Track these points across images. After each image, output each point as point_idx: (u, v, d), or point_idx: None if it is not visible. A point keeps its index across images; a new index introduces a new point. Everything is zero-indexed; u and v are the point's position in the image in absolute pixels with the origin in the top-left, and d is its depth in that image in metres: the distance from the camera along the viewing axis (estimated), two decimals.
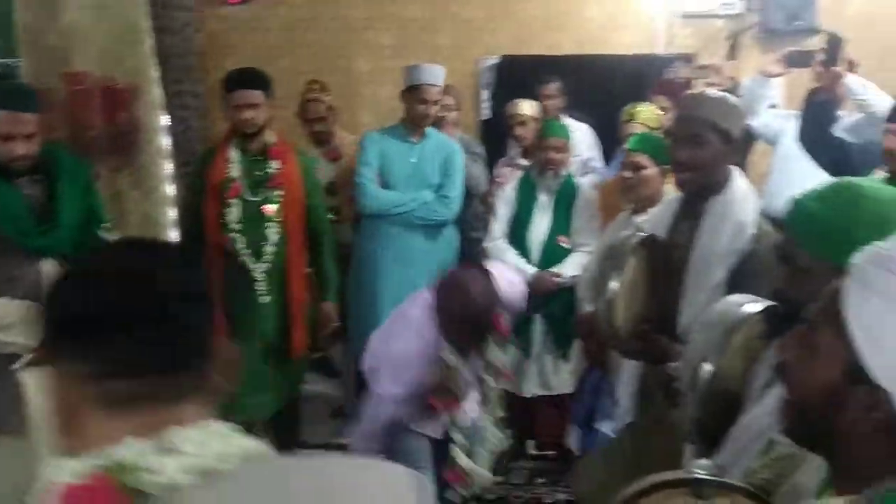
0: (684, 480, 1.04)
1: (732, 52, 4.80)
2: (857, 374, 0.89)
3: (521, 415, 3.72)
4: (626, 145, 3.10)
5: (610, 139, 4.11)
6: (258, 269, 3.20)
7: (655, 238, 2.11)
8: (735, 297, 1.67)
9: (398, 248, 3.56)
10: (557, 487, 3.56)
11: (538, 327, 3.48)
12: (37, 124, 2.40)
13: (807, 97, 2.82)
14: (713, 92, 2.28)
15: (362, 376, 3.30)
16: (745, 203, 2.10)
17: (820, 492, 1.06)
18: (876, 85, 3.25)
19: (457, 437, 2.52)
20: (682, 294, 2.05)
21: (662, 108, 3.70)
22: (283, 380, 3.41)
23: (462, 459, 2.51)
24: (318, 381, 4.34)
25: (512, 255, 3.44)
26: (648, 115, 3.52)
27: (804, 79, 3.43)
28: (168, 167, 3.87)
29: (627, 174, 2.98)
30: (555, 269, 3.37)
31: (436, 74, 3.62)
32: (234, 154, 3.18)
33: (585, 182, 3.70)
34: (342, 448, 3.96)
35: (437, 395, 2.40)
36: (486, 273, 2.37)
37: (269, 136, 3.23)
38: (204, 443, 0.78)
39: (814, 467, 1.05)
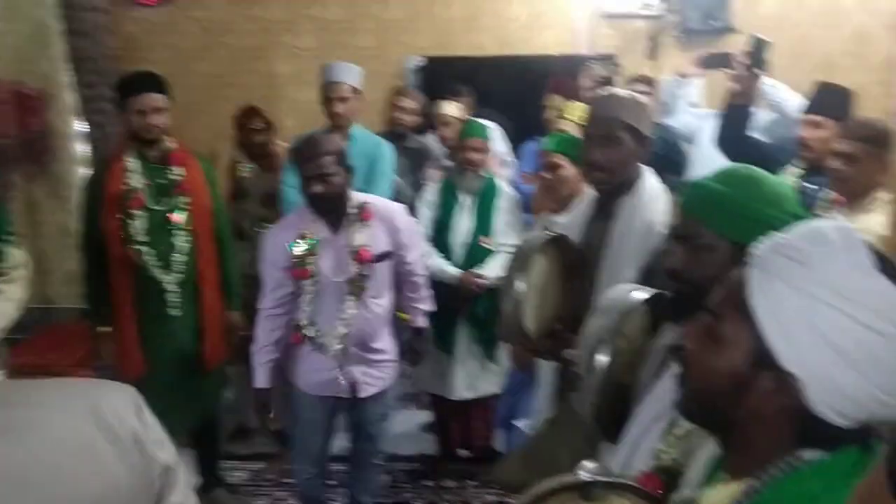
0: (574, 484, 1.03)
1: (653, 52, 4.88)
2: (763, 360, 0.92)
3: (450, 418, 3.72)
4: (543, 146, 3.11)
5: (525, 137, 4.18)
6: (169, 281, 3.10)
7: (563, 237, 2.11)
8: (626, 285, 1.70)
9: None
10: (488, 490, 3.57)
11: (463, 330, 3.47)
12: None
13: (726, 101, 2.87)
14: (623, 92, 2.29)
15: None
16: (654, 202, 2.11)
17: (710, 472, 1.07)
18: (787, 85, 3.33)
19: None
20: (594, 294, 2.06)
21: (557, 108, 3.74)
22: (201, 394, 3.32)
23: None
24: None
25: (435, 256, 3.42)
26: (582, 112, 3.53)
27: (724, 77, 3.51)
28: (84, 174, 3.70)
29: (546, 175, 2.99)
30: (478, 271, 3.37)
31: (344, 71, 3.58)
32: (132, 163, 3.05)
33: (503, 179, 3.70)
34: (270, 458, 3.95)
35: None
36: None
37: (169, 142, 3.12)
38: None
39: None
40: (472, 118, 3.74)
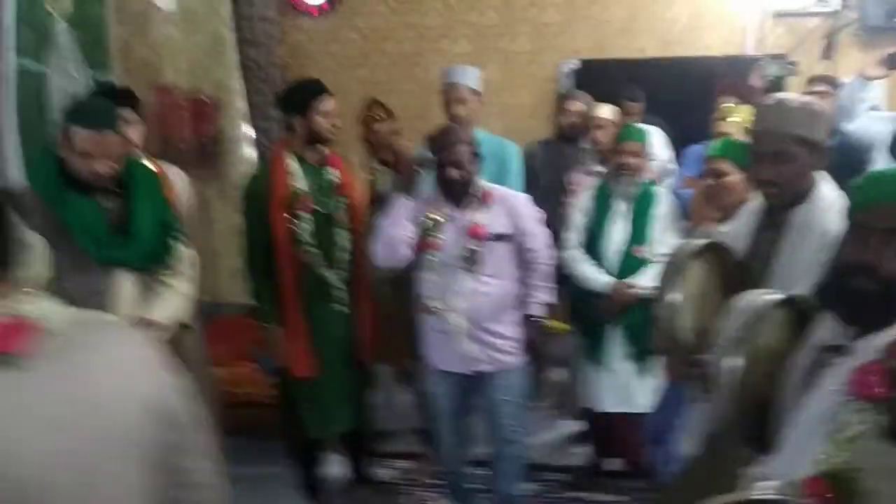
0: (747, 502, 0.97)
1: (827, 52, 4.56)
2: None
3: (602, 430, 3.62)
4: (708, 151, 2.96)
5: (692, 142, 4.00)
6: (334, 279, 3.20)
7: (721, 245, 1.99)
8: (758, 290, 1.63)
9: None
10: None
11: (614, 341, 3.36)
12: (118, 142, 2.45)
13: None
14: (794, 98, 2.12)
15: None
16: (830, 212, 1.95)
17: None
18: None
19: None
20: None
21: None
22: (360, 390, 3.42)
23: None
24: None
25: (587, 265, 3.34)
26: (749, 116, 3.36)
27: None
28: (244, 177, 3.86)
29: (710, 181, 2.85)
30: (631, 280, 3.25)
31: (463, 73, 3.60)
32: (294, 166, 3.17)
33: (665, 187, 3.57)
34: (418, 458, 4.00)
35: None
36: None
37: (324, 148, 3.23)
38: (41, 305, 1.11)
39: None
40: (629, 123, 3.63)
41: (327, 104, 3.10)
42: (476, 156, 2.91)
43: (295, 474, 3.56)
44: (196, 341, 3.15)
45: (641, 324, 3.24)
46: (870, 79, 3.39)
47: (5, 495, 1.00)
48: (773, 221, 2.05)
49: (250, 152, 5.06)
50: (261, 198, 3.12)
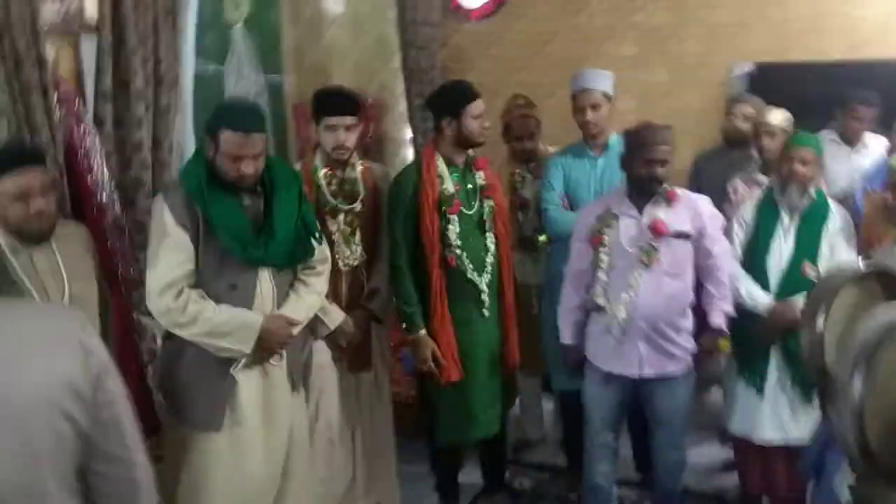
0: None
1: None
2: None
3: (753, 459, 3.35)
4: (892, 163, 2.66)
5: None
6: (482, 282, 3.17)
7: (888, 270, 1.75)
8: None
9: None
10: None
11: (775, 365, 3.10)
12: (264, 144, 2.52)
13: None
14: None
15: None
16: None
17: None
18: None
19: None
20: None
21: None
22: (503, 398, 3.37)
23: None
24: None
25: (748, 281, 3.10)
26: None
27: None
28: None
29: (891, 196, 2.56)
30: (796, 300, 2.97)
31: (596, 78, 3.45)
32: (443, 168, 3.16)
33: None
34: (558, 471, 3.90)
35: None
36: None
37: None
38: None
39: None
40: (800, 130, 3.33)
41: (478, 107, 3.09)
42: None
43: (434, 477, 3.57)
44: (385, 336, 3.31)
45: None
46: None
47: None
48: None
49: (410, 154, 5.13)
50: (409, 198, 3.13)
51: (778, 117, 3.54)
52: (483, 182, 3.21)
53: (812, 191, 3.05)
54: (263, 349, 2.53)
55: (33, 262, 2.32)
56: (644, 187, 2.90)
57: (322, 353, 3.10)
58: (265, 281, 2.56)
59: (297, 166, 3.11)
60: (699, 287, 3.01)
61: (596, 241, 2.95)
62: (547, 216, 3.50)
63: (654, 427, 3.09)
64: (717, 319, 2.96)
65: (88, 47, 3.05)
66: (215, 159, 2.46)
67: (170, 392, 2.62)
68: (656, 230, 2.87)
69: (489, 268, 3.18)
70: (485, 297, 3.18)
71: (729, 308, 2.98)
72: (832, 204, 3.10)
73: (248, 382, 2.57)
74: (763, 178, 3.47)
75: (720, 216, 3.05)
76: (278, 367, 2.64)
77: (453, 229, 3.11)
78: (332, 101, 3.07)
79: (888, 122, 3.90)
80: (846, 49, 4.39)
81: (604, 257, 2.93)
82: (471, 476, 3.64)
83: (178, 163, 3.25)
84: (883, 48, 4.32)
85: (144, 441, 2.86)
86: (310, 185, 3.00)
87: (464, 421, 3.25)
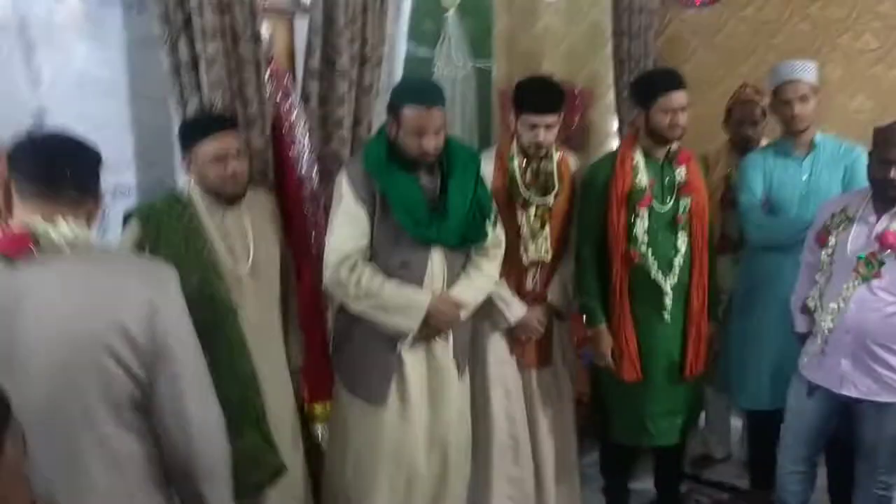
0: None
1: None
2: None
3: None
4: None
5: None
6: (667, 283, 3.01)
7: None
8: None
9: (787, 284, 3.04)
10: None
11: None
12: (444, 119, 2.53)
13: None
14: None
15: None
16: None
17: None
18: None
19: None
20: None
21: None
22: (684, 407, 3.19)
23: None
24: None
25: None
26: None
27: None
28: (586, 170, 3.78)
29: None
30: None
31: (801, 69, 3.16)
32: (640, 160, 3.01)
33: None
34: (735, 491, 3.63)
35: None
36: None
37: (675, 143, 3.04)
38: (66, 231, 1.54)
39: None
40: None
41: (672, 100, 2.90)
42: None
43: (602, 478, 3.46)
44: (568, 333, 3.28)
45: None
46: None
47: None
48: None
49: (615, 146, 4.96)
50: (599, 189, 3.06)
51: None
52: (683, 178, 3.03)
53: None
54: (430, 328, 2.55)
55: (224, 222, 2.50)
56: (881, 192, 2.64)
57: (501, 347, 3.07)
58: (437, 260, 2.58)
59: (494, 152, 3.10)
60: None
61: (822, 239, 2.79)
62: (743, 217, 3.25)
63: (857, 457, 2.80)
64: None
65: (302, 27, 3.21)
66: (397, 136, 2.50)
67: (340, 362, 2.72)
68: (885, 242, 2.61)
69: (676, 269, 3.00)
70: (667, 300, 3.02)
71: None
72: None
73: (414, 361, 2.61)
74: None
75: None
76: (445, 348, 2.65)
77: (641, 224, 2.97)
78: (535, 98, 2.93)
79: None
80: None
81: (825, 258, 2.76)
82: (644, 483, 3.49)
83: None
84: None
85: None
86: (503, 172, 2.97)
87: (637, 425, 3.13)
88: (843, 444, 2.86)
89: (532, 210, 2.98)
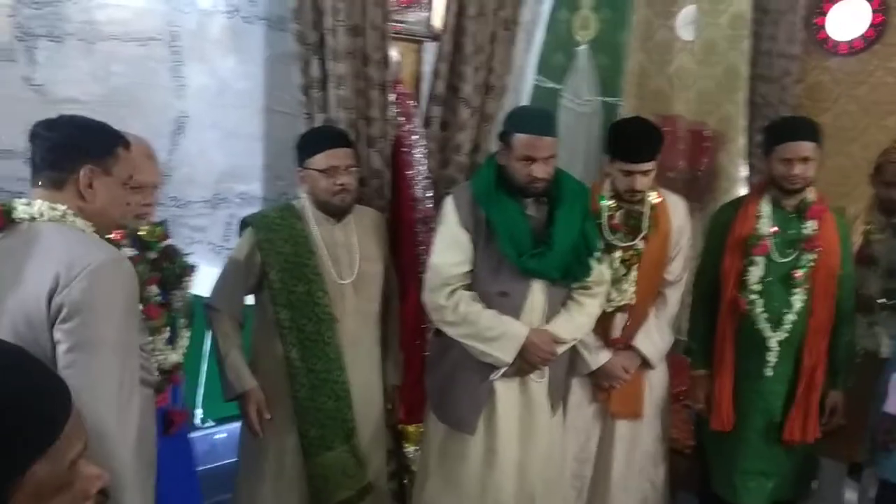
0: None
1: None
2: None
3: None
4: None
5: None
6: (773, 338, 2.87)
7: None
8: None
9: None
10: None
11: None
12: (555, 149, 2.51)
13: None
14: None
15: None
16: None
17: None
18: None
19: None
20: None
21: None
22: (788, 470, 3.01)
23: None
24: None
25: None
26: None
27: None
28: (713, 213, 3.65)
29: None
30: None
31: None
32: (766, 208, 2.89)
33: None
34: None
35: None
36: None
37: (810, 194, 2.88)
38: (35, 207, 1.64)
39: None
40: None
41: (792, 149, 2.76)
42: None
43: None
44: (663, 382, 3.08)
45: None
46: None
47: None
48: None
49: (743, 192, 4.79)
50: (720, 232, 2.98)
51: None
52: (811, 232, 2.88)
53: None
54: (525, 362, 2.52)
55: (332, 235, 2.59)
56: None
57: (583, 392, 2.96)
58: (537, 293, 2.54)
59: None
60: None
61: None
62: None
63: None
64: None
65: (430, 52, 3.29)
66: (507, 163, 2.50)
67: (431, 386, 2.72)
68: None
69: (787, 325, 2.84)
70: (771, 355, 2.86)
71: None
72: None
73: (506, 394, 2.57)
74: None
75: None
76: (539, 384, 2.61)
77: (754, 272, 2.84)
78: (631, 146, 2.77)
79: None
80: None
81: None
82: None
83: None
84: None
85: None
86: (592, 212, 2.82)
87: (730, 479, 2.98)
88: None
89: (617, 254, 2.83)
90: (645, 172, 2.75)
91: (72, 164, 1.70)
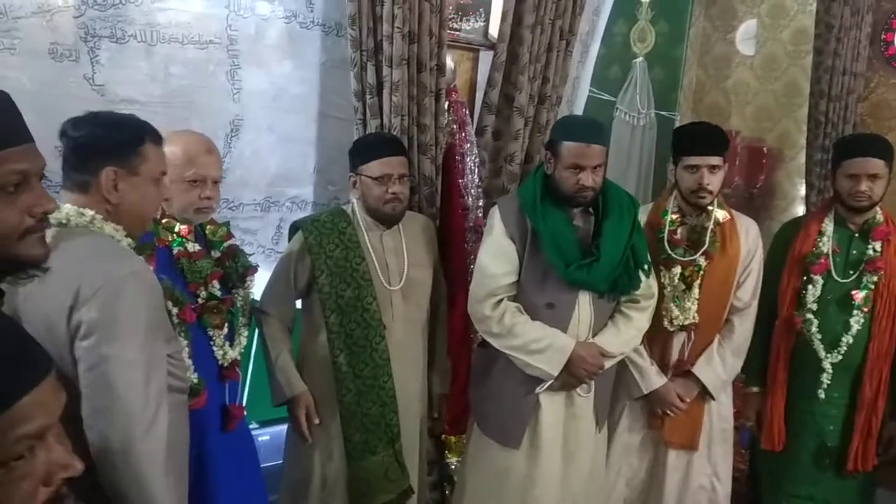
0: None
1: None
2: None
3: None
4: None
5: None
6: (827, 360, 2.78)
7: None
8: None
9: None
10: None
11: None
12: (604, 158, 2.46)
13: None
14: None
15: None
16: None
17: None
18: None
19: None
20: None
21: None
22: (840, 498, 2.91)
23: None
24: None
25: None
26: None
27: None
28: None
29: None
30: None
31: None
32: (829, 227, 2.81)
33: None
34: None
35: None
36: None
37: (878, 214, 2.79)
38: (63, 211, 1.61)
39: None
40: None
41: (859, 166, 2.70)
42: None
43: None
44: (725, 413, 2.93)
45: None
46: None
47: None
48: None
49: (800, 212, 4.68)
50: (782, 249, 2.93)
51: None
52: (874, 254, 2.78)
53: None
54: (571, 375, 2.46)
55: (382, 241, 2.57)
56: None
57: (637, 415, 2.86)
58: (584, 305, 2.48)
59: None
60: None
61: None
62: None
63: None
64: None
65: (486, 60, 3.27)
66: (555, 173, 2.46)
67: (475, 398, 2.68)
68: None
69: (843, 348, 2.76)
70: (825, 377, 2.79)
71: None
72: None
73: (552, 407, 2.52)
74: None
75: None
76: (585, 398, 2.55)
77: (812, 291, 2.78)
78: (696, 137, 2.75)
79: None
80: None
81: None
82: None
83: None
84: None
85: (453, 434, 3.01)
86: (653, 227, 2.79)
87: (780, 500, 2.91)
88: None
89: (677, 270, 2.74)
90: (712, 168, 2.67)
91: (94, 165, 1.64)
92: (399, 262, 2.59)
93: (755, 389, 2.96)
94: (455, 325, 2.94)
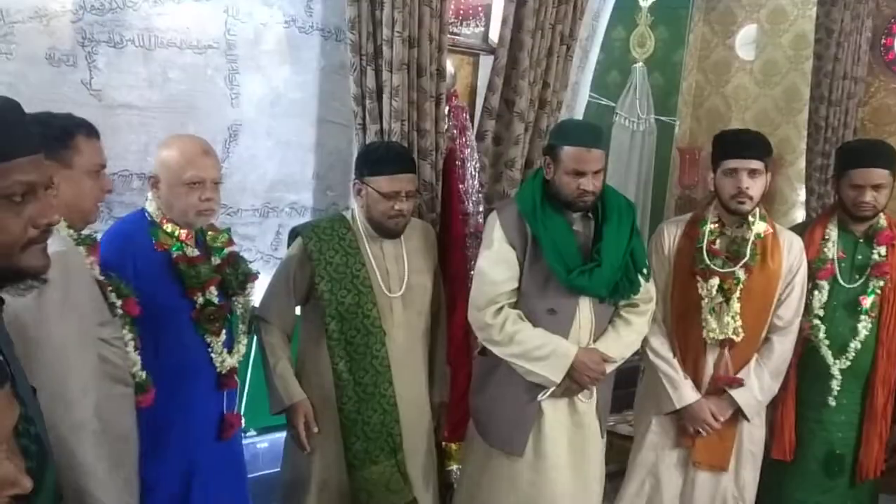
0: None
1: None
2: None
3: None
4: None
5: None
6: (836, 366, 2.76)
7: None
8: None
9: None
10: None
11: None
12: (604, 162, 2.45)
13: None
14: None
15: None
16: None
17: None
18: None
19: None
20: None
21: None
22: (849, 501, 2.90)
23: None
24: None
25: None
26: None
27: None
28: None
29: None
30: None
31: None
32: (833, 232, 2.80)
33: None
34: None
35: None
36: None
37: (881, 220, 2.78)
38: None
39: None
40: None
41: (863, 176, 2.69)
42: None
43: None
44: (763, 430, 2.87)
45: None
46: None
47: None
48: None
49: (800, 217, 4.67)
50: None
51: None
52: (879, 259, 2.77)
53: None
54: (573, 382, 2.44)
55: (382, 247, 2.55)
56: None
57: (664, 431, 2.78)
58: (585, 310, 2.47)
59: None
60: None
61: None
62: None
63: None
64: None
65: (486, 65, 3.26)
66: (554, 177, 2.44)
67: (475, 406, 2.65)
68: None
69: (851, 354, 2.75)
70: (834, 383, 2.77)
71: None
72: None
73: (555, 414, 2.49)
74: None
75: None
76: (587, 404, 2.53)
77: (818, 297, 2.76)
78: (738, 142, 2.66)
79: None
80: None
81: None
82: None
83: None
84: None
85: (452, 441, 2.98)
86: (692, 238, 2.72)
87: None
88: None
89: (713, 281, 2.65)
90: (752, 172, 2.58)
91: None
92: (399, 268, 2.57)
93: None
94: (454, 332, 2.91)
